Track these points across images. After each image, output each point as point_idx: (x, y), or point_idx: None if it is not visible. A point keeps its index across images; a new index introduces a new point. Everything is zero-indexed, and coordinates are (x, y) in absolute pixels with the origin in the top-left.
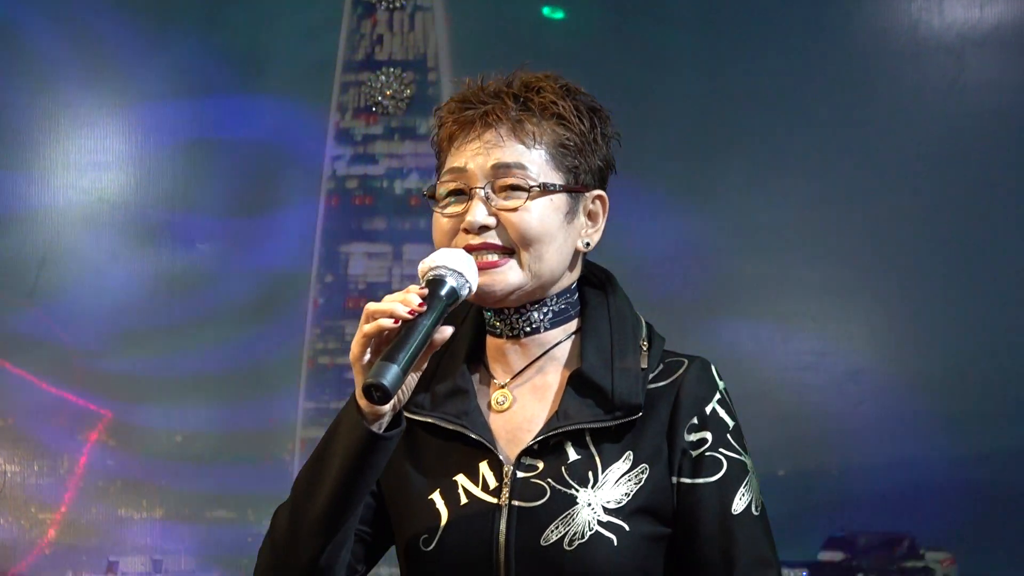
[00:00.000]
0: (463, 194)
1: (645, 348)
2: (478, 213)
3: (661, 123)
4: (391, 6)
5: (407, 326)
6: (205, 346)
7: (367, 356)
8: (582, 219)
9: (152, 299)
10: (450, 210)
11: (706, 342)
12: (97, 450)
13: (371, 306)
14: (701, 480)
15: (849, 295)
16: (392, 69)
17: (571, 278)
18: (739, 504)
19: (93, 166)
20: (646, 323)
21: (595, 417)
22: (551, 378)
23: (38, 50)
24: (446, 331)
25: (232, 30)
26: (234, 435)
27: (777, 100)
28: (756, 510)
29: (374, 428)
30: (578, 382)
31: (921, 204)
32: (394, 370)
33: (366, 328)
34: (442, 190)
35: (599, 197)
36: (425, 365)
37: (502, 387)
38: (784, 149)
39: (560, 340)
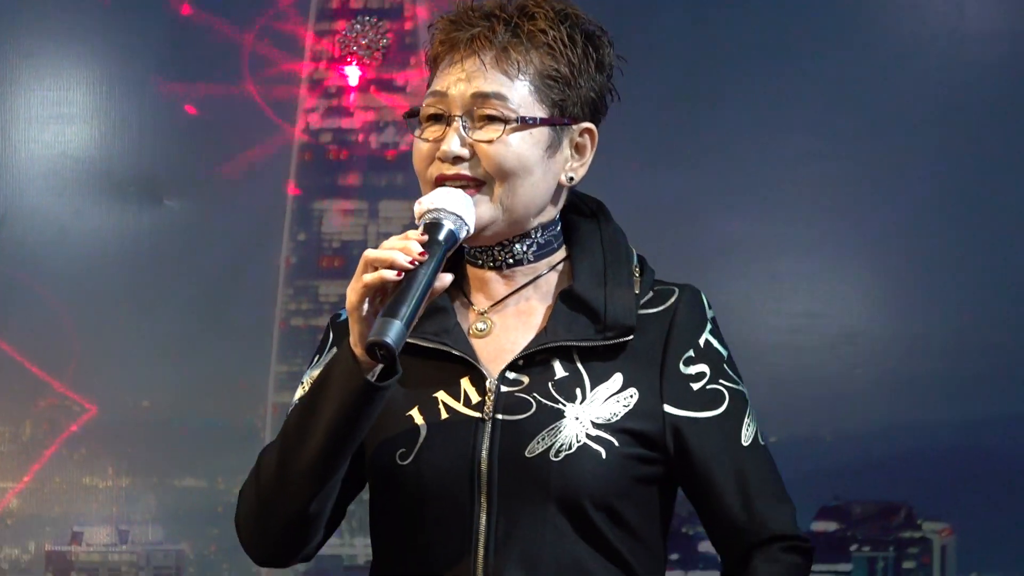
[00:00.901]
0: (443, 120)
1: (637, 275)
2: (453, 143)
3: (646, 74)
4: None
5: (407, 276)
6: (172, 307)
7: (366, 306)
8: (567, 152)
9: (118, 257)
10: (428, 134)
11: None
12: (61, 416)
13: (370, 254)
14: (707, 414)
15: (844, 253)
16: (368, 18)
17: (554, 211)
18: (747, 435)
19: (56, 119)
20: (638, 255)
21: (585, 336)
22: (535, 303)
23: None
24: (446, 279)
25: None
26: (203, 400)
27: (769, 50)
28: (763, 440)
29: (370, 377)
30: (568, 299)
31: (920, 158)
32: (398, 326)
33: (367, 279)
34: (423, 113)
35: (587, 130)
36: (422, 312)
37: (482, 314)
38: (776, 101)
39: (545, 272)
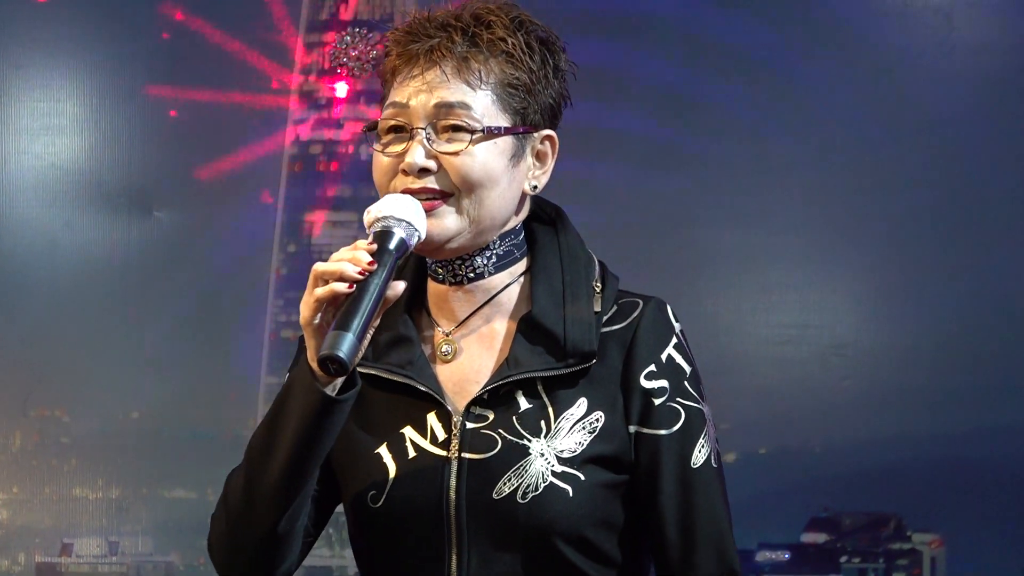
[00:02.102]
0: (404, 132)
1: (599, 290)
2: (418, 155)
3: (637, 87)
4: None
5: (358, 287)
6: (162, 318)
7: (318, 318)
8: (529, 161)
9: (107, 268)
10: (390, 148)
11: (684, 314)
12: (51, 427)
13: (319, 267)
14: (660, 432)
15: (834, 265)
16: (358, 29)
17: (516, 220)
18: (699, 457)
19: (46, 130)
20: (599, 262)
21: (546, 365)
22: (498, 325)
23: None
24: (398, 287)
25: None
26: (193, 412)
27: (758, 61)
28: (715, 462)
29: (328, 391)
30: (528, 327)
31: (908, 170)
32: (349, 339)
33: (318, 293)
34: (383, 125)
35: (548, 137)
36: (378, 323)
37: (447, 335)
38: (766, 112)
39: (507, 283)
